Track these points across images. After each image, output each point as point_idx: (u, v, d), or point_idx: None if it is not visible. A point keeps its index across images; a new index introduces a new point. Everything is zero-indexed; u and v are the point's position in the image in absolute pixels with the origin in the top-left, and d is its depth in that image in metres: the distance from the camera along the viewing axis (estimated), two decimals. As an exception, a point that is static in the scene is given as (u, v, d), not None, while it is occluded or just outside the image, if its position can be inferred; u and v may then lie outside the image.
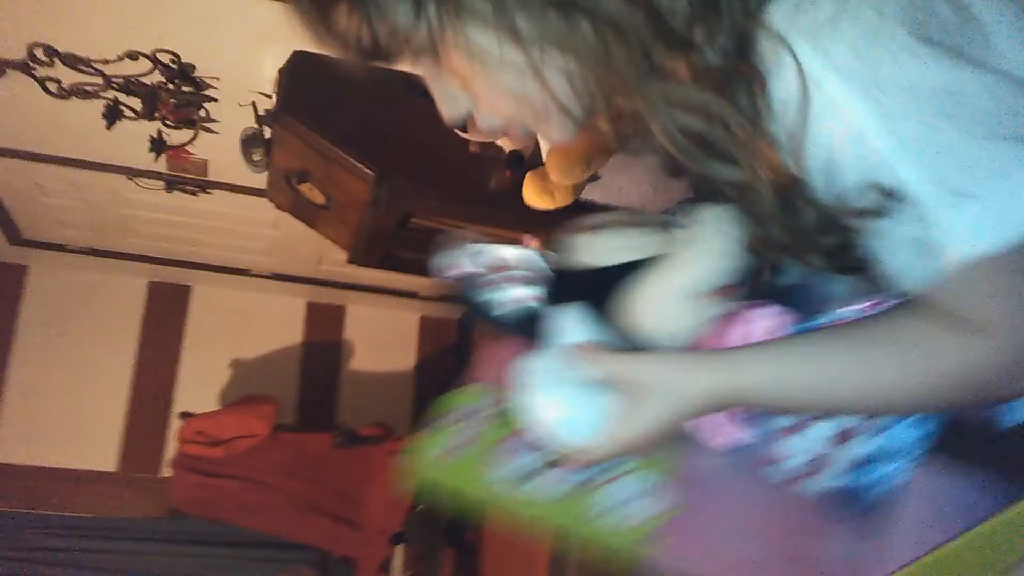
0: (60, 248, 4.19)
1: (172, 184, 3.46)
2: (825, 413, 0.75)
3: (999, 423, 0.75)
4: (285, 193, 2.88)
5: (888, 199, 0.62)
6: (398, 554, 4.07)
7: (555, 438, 0.77)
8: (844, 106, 0.61)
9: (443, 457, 0.90)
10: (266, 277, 4.44)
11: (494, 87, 0.70)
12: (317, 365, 4.63)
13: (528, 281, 0.83)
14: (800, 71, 0.61)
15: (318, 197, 2.81)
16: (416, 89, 0.90)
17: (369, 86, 2.65)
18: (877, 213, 0.63)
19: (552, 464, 0.87)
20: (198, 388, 4.49)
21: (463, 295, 0.84)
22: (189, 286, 4.61)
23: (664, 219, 0.81)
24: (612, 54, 0.63)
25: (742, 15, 0.63)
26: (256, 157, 2.98)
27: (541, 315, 0.81)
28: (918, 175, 0.61)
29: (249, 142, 2.97)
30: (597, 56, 0.64)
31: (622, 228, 0.81)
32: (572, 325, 0.77)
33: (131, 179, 3.43)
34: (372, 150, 2.56)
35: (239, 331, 4.62)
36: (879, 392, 0.68)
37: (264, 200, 3.15)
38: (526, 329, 0.81)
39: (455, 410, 0.94)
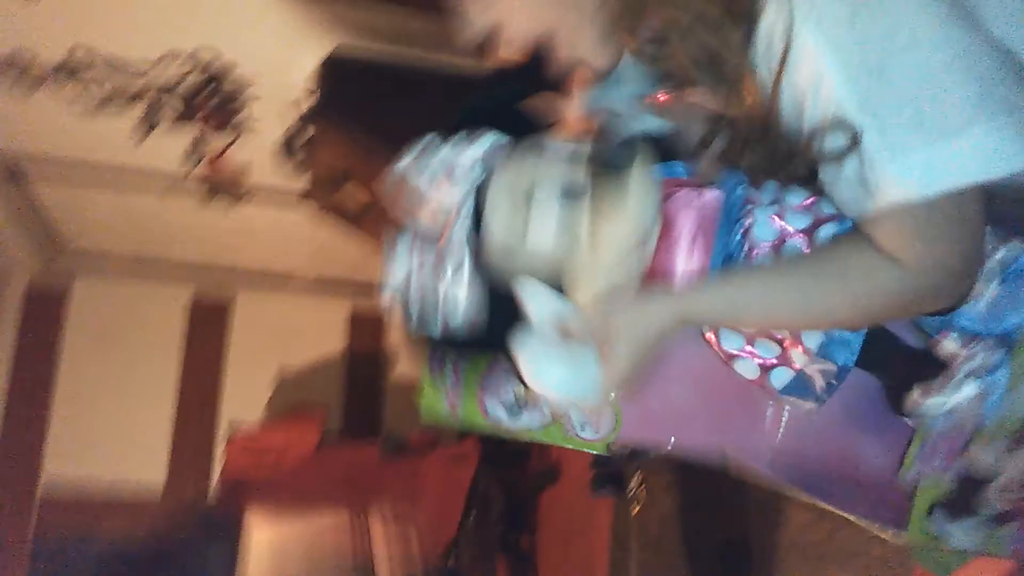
0: (104, 257, 4.16)
1: (214, 189, 3.40)
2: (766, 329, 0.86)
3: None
4: (328, 194, 2.81)
5: (842, 143, 0.68)
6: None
7: (565, 401, 0.87)
8: (813, 52, 0.65)
9: (449, 404, 1.01)
10: (309, 282, 4.38)
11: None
12: (362, 371, 4.57)
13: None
14: (788, 9, 0.65)
15: (362, 197, 2.74)
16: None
17: (411, 82, 2.57)
18: (833, 155, 0.69)
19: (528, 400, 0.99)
20: (244, 398, 4.45)
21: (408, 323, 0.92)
22: (232, 294, 4.56)
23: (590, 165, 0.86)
24: None
25: None
26: (296, 159, 2.91)
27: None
28: (867, 124, 0.66)
29: (291, 142, 2.90)
30: None
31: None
32: (538, 300, 0.85)
33: (172, 185, 3.38)
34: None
35: (283, 338, 4.57)
36: (817, 312, 0.78)
37: (307, 203, 3.09)
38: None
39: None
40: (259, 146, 3.07)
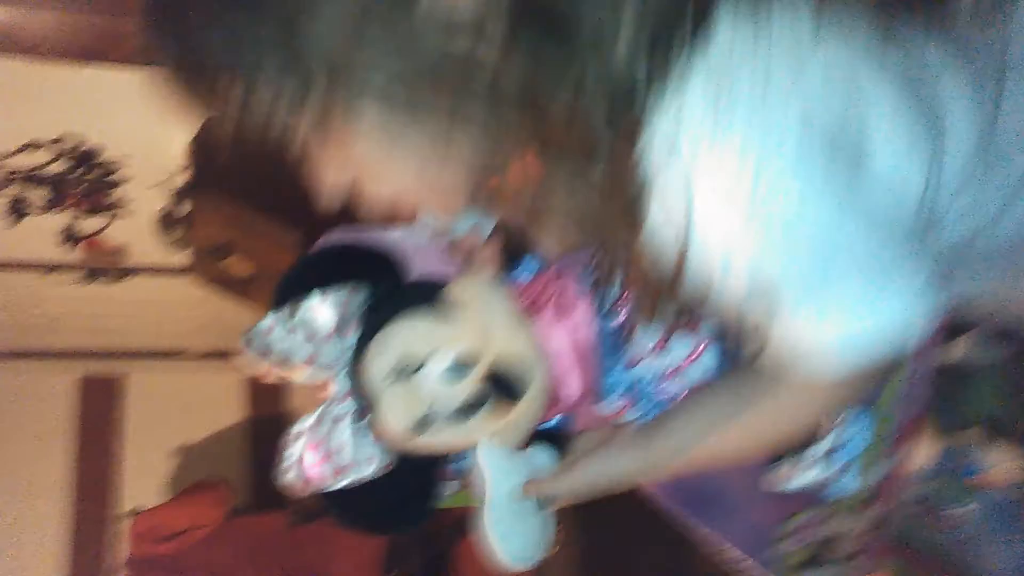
0: (-20, 353, 4.00)
1: (91, 274, 3.33)
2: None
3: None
4: (210, 268, 2.78)
5: (751, 310, 0.65)
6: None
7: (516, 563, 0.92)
8: (718, 224, 0.60)
9: None
10: (202, 357, 4.30)
11: (388, 159, 0.65)
12: (266, 440, 4.47)
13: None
14: (683, 175, 0.59)
15: (245, 268, 2.71)
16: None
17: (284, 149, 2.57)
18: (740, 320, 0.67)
19: None
20: (145, 481, 4.31)
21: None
22: (123, 376, 4.44)
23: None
24: (513, 132, 0.59)
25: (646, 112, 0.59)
26: (176, 235, 2.88)
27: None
28: (779, 297, 0.63)
29: (168, 218, 2.87)
30: (498, 132, 0.59)
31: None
32: (498, 469, 0.88)
33: (46, 274, 3.28)
34: (294, 214, 2.47)
35: (181, 415, 4.46)
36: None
37: (190, 278, 3.05)
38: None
39: None
40: (136, 224, 3.03)
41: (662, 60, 0.56)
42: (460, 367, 0.84)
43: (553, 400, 0.89)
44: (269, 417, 4.56)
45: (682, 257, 0.63)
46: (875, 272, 0.61)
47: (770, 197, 0.57)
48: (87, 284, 3.38)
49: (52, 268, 3.23)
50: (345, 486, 0.91)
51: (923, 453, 1.03)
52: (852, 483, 0.85)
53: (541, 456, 0.92)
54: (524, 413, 0.87)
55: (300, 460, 0.95)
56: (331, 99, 0.58)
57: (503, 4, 0.53)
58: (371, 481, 0.92)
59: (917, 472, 1.04)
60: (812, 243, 0.59)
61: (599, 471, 0.85)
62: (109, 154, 2.74)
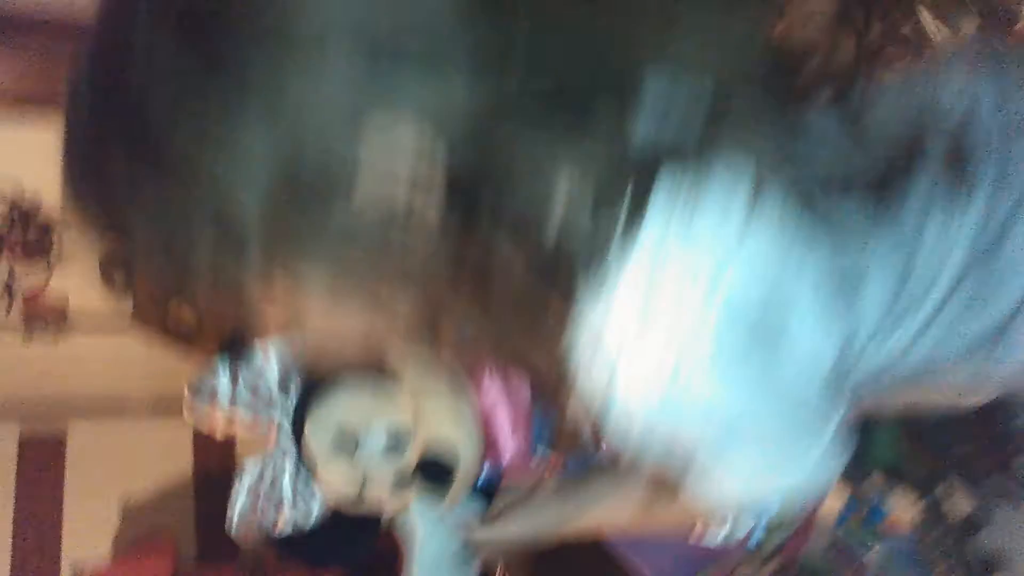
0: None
1: (31, 328, 3.29)
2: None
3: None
4: (154, 315, 2.76)
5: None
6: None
7: None
8: (638, 400, 0.63)
9: None
10: (145, 409, 4.25)
11: (328, 316, 0.64)
12: (213, 493, 4.42)
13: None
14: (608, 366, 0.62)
15: (188, 315, 2.70)
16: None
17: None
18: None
19: None
20: (88, 537, 4.22)
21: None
22: (65, 426, 4.36)
23: None
24: (448, 300, 0.60)
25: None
26: (118, 283, 2.85)
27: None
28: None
29: (108, 268, 2.84)
30: (434, 300, 0.60)
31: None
32: (428, 523, 0.93)
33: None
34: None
35: (125, 468, 4.38)
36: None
37: (134, 325, 3.02)
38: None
39: None
40: (77, 275, 2.99)
41: (592, 250, 0.57)
42: (395, 443, 0.88)
43: (490, 459, 0.92)
44: (215, 469, 4.49)
45: (601, 419, 0.65)
46: (782, 442, 0.67)
47: (689, 382, 0.60)
48: (27, 339, 3.33)
49: (-9, 324, 3.19)
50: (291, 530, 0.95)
51: (831, 501, 1.09)
52: (759, 541, 0.96)
53: (470, 510, 0.95)
54: (454, 489, 0.91)
55: (247, 510, 0.98)
56: (269, 270, 0.58)
57: (436, 194, 0.54)
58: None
59: (827, 518, 1.10)
60: (726, 422, 0.63)
61: (520, 527, 0.89)
62: (49, 206, 2.72)
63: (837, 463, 0.71)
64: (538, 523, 0.88)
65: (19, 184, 2.57)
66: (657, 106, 0.55)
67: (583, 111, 0.54)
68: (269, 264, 0.57)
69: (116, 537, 4.21)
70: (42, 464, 4.30)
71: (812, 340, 0.62)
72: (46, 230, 2.72)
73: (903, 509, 1.08)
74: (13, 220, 2.65)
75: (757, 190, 0.57)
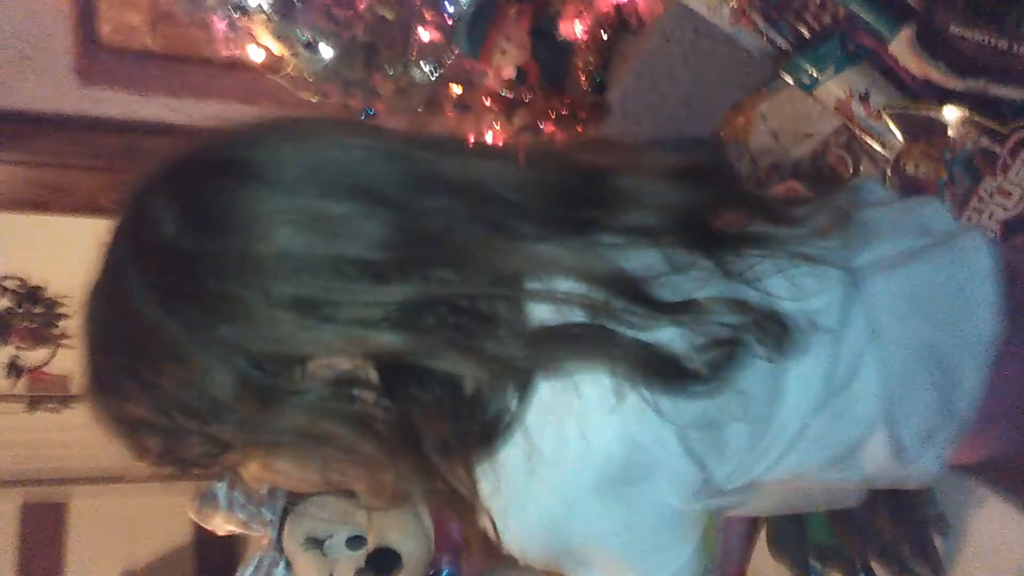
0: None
1: (34, 404, 3.37)
2: None
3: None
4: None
5: None
6: None
7: None
8: (521, 534, 0.77)
9: None
10: (145, 479, 4.30)
11: (296, 470, 0.77)
12: (213, 561, 4.46)
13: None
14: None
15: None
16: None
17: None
18: None
19: None
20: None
21: None
22: (65, 502, 4.41)
23: None
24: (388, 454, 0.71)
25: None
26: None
27: None
28: None
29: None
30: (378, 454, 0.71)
31: None
32: None
33: (-9, 405, 3.33)
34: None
35: (126, 539, 4.43)
36: None
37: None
38: None
39: None
40: (77, 358, 3.08)
41: (488, 421, 0.71)
42: (356, 540, 0.99)
43: (448, 556, 1.02)
44: (214, 539, 4.54)
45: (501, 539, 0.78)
46: (654, 556, 0.80)
47: (566, 519, 0.74)
48: (31, 413, 3.42)
49: (-4, 402, 3.29)
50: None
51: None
52: None
53: None
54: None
55: None
56: (248, 446, 0.72)
57: (373, 363, 0.68)
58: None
59: None
60: (595, 548, 0.77)
61: None
62: (51, 292, 2.83)
63: (704, 563, 0.82)
64: None
65: (26, 270, 2.68)
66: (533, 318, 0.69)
67: (482, 322, 0.68)
68: (247, 445, 0.71)
69: (117, 606, 4.26)
70: (43, 532, 4.36)
71: (669, 484, 0.76)
72: (48, 314, 2.82)
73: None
74: (21, 302, 2.76)
75: (620, 380, 0.70)
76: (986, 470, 1.01)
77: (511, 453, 0.71)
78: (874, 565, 1.14)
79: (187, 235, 0.66)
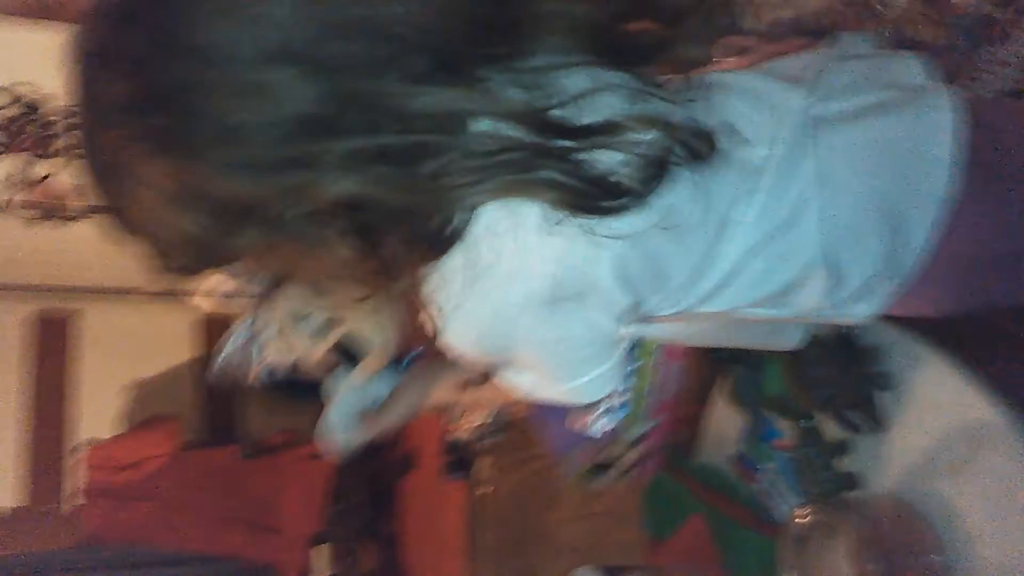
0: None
1: (43, 215, 3.42)
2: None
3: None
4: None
5: None
6: (321, 554, 4.12)
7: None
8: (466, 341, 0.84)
9: None
10: (154, 295, 4.40)
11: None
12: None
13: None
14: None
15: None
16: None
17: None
18: None
19: None
20: (99, 414, 4.44)
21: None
22: (76, 311, 4.55)
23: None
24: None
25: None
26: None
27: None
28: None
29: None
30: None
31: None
32: (343, 390, 1.24)
33: (2, 212, 3.39)
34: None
35: (133, 352, 4.57)
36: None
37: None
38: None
39: None
40: (83, 170, 3.11)
41: (433, 235, 0.76)
42: (323, 327, 1.08)
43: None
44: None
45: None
46: (575, 366, 0.89)
47: (496, 327, 0.81)
48: (40, 224, 3.47)
49: (7, 208, 3.33)
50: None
51: (736, 422, 1.32)
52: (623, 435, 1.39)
53: (381, 386, 1.17)
54: (361, 367, 1.14)
55: (231, 359, 1.21)
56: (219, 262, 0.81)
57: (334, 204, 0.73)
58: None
59: (732, 435, 1.25)
60: (522, 355, 0.86)
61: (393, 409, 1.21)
62: (59, 102, 2.83)
63: (619, 379, 0.92)
64: (403, 403, 1.19)
65: (32, 81, 2.68)
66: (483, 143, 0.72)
67: (421, 160, 0.71)
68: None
69: (124, 414, 4.45)
70: (56, 341, 4.51)
71: (598, 305, 0.82)
72: (54, 125, 2.83)
73: (789, 433, 1.23)
74: (26, 114, 2.77)
75: (555, 204, 0.74)
76: (929, 327, 1.04)
77: (453, 264, 0.76)
78: (820, 416, 1.19)
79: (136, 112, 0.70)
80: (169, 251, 0.78)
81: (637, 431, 1.45)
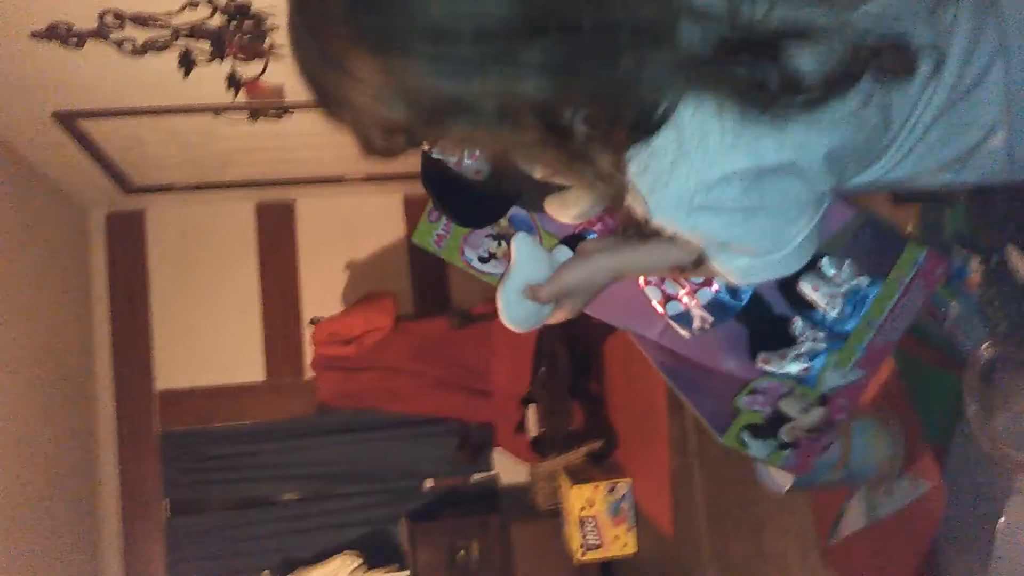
0: (169, 189, 4.50)
1: (255, 113, 3.66)
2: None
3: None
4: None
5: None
6: (531, 414, 4.35)
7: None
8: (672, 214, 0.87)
9: (435, 240, 1.27)
10: (361, 180, 4.65)
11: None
12: (424, 255, 4.80)
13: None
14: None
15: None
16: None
17: None
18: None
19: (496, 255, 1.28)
20: (321, 294, 4.82)
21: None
22: (293, 201, 4.88)
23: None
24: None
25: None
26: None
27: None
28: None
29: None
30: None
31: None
32: (524, 256, 1.14)
33: (217, 116, 3.64)
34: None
35: (347, 235, 4.89)
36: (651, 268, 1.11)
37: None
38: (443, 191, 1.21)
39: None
40: (289, 68, 3.29)
41: (643, 115, 0.79)
42: None
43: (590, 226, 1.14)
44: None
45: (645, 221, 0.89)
46: (768, 241, 0.90)
47: (702, 198, 0.84)
48: (252, 122, 3.71)
49: (220, 111, 3.57)
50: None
51: None
52: (807, 383, 1.14)
53: (561, 256, 1.17)
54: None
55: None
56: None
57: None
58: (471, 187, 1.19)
59: None
60: (727, 229, 0.88)
61: (584, 273, 1.11)
62: (258, 6, 3.00)
63: (811, 252, 0.92)
64: (596, 267, 1.09)
65: (232, -12, 2.86)
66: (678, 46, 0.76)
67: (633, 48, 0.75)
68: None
69: (344, 292, 4.79)
70: (277, 228, 4.88)
71: (802, 180, 0.85)
72: (258, 28, 3.01)
73: (976, 272, 1.23)
74: (231, 19, 2.96)
75: (746, 102, 0.78)
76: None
77: (662, 142, 0.81)
78: (1008, 253, 1.18)
79: (350, 12, 0.75)
80: (375, 138, 0.84)
81: (835, 381, 1.15)
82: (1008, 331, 1.16)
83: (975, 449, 1.17)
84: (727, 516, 3.14)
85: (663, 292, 1.18)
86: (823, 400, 1.13)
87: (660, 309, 1.19)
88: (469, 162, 1.17)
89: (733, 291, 1.14)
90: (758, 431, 1.14)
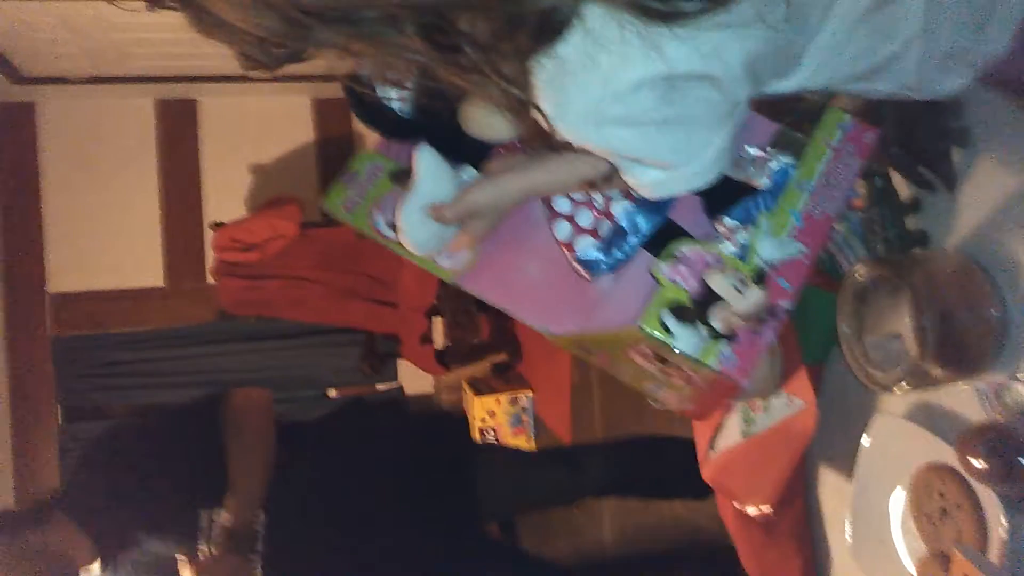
0: (62, 81, 4.27)
1: (154, 1, 3.47)
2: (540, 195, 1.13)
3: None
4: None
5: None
6: (436, 326, 4.34)
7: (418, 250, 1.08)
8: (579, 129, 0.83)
9: (346, 205, 1.16)
10: (268, 80, 4.48)
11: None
12: (333, 160, 4.74)
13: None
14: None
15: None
16: None
17: None
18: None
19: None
20: (224, 198, 4.68)
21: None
22: (195, 100, 4.69)
23: None
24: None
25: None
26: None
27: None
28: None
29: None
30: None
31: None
32: (428, 172, 1.05)
33: (111, 2, 3.45)
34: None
35: (253, 137, 4.74)
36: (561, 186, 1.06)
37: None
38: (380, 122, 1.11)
39: (354, 171, 1.18)
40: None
41: (545, 17, 0.74)
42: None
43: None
44: (337, 137, 4.80)
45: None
46: (683, 154, 0.87)
47: (614, 106, 0.79)
48: (152, 11, 3.53)
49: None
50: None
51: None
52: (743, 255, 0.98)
53: (467, 175, 1.09)
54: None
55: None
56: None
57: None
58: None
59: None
60: (639, 142, 0.84)
61: (493, 193, 1.05)
62: None
63: (726, 164, 0.89)
64: (505, 186, 1.03)
65: None
66: None
67: None
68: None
69: (248, 197, 4.66)
70: (179, 127, 4.69)
71: (716, 87, 0.81)
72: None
73: (862, 192, 1.22)
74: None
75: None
76: (1013, 88, 1.01)
77: (569, 48, 0.75)
78: (891, 175, 1.18)
79: None
80: (252, 47, 0.78)
81: (770, 253, 0.99)
82: (888, 251, 1.16)
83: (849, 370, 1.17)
84: (622, 428, 3.20)
85: (572, 226, 1.10)
86: (760, 277, 0.96)
87: (569, 248, 1.08)
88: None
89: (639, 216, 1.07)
90: (683, 313, 0.94)
